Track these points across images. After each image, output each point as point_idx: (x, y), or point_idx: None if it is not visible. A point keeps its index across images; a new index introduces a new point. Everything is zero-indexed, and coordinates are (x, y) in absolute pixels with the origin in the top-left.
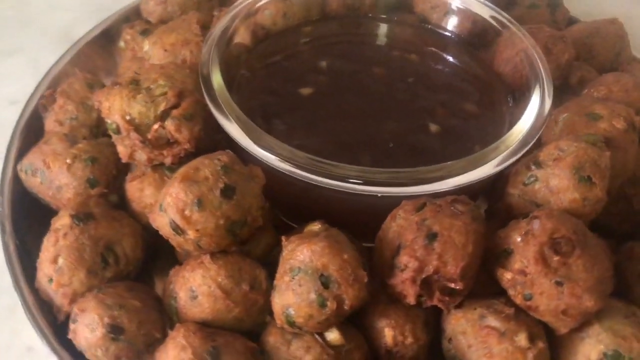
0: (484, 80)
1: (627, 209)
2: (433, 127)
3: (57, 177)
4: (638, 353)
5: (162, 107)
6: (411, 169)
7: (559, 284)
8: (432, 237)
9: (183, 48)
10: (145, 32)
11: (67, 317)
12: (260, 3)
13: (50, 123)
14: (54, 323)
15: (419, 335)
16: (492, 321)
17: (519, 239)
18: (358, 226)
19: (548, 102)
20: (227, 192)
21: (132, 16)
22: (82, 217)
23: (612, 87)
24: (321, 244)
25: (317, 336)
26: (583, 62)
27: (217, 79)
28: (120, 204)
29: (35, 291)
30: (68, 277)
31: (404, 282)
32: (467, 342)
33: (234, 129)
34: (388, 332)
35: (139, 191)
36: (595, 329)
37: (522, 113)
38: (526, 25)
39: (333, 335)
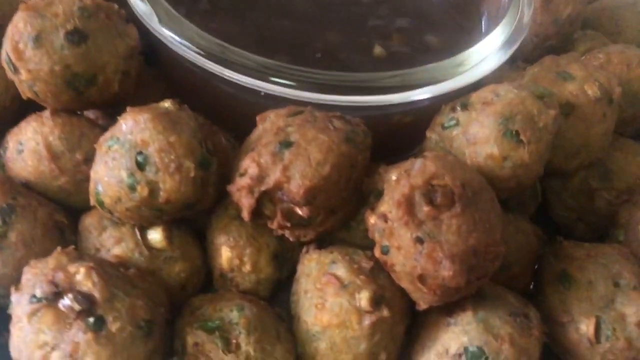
0: (463, 13)
1: (587, 206)
2: (377, 50)
3: None
4: (506, 356)
5: None
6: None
7: (419, 240)
8: (285, 145)
9: None
10: None
11: None
12: None
13: None
14: None
15: (261, 266)
16: (340, 269)
17: (393, 178)
18: None
19: (527, 15)
20: (75, 36)
21: None
22: None
23: (614, 57)
24: (147, 115)
25: (137, 231)
26: (602, 34)
27: None
28: None
29: None
30: None
31: (240, 190)
32: (305, 287)
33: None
34: (225, 252)
35: None
36: (466, 316)
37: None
38: None
39: (155, 235)
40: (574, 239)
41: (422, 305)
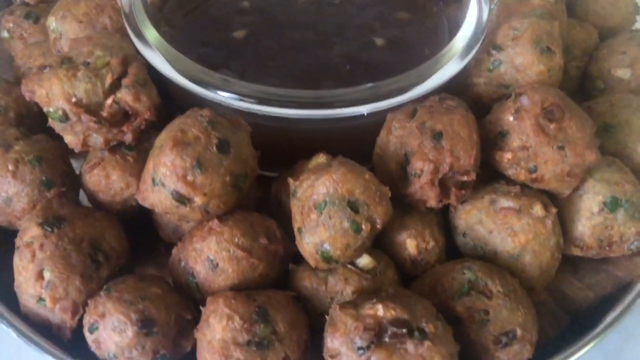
0: None
1: (565, 78)
2: (379, 41)
3: (2, 188)
4: (631, 193)
5: (109, 79)
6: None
7: (560, 148)
8: (437, 136)
9: (100, 15)
10: (29, 15)
11: (73, 332)
12: None
13: None
14: (61, 343)
15: (437, 237)
16: (505, 202)
17: (511, 119)
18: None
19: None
20: (223, 146)
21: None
22: (52, 221)
23: None
24: (341, 170)
25: (350, 266)
26: None
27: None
28: (78, 200)
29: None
30: (63, 289)
31: (423, 187)
32: (487, 228)
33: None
34: (410, 243)
35: (105, 178)
36: (590, 183)
37: (458, 10)
38: None
39: (365, 260)
40: None
41: (567, 193)
